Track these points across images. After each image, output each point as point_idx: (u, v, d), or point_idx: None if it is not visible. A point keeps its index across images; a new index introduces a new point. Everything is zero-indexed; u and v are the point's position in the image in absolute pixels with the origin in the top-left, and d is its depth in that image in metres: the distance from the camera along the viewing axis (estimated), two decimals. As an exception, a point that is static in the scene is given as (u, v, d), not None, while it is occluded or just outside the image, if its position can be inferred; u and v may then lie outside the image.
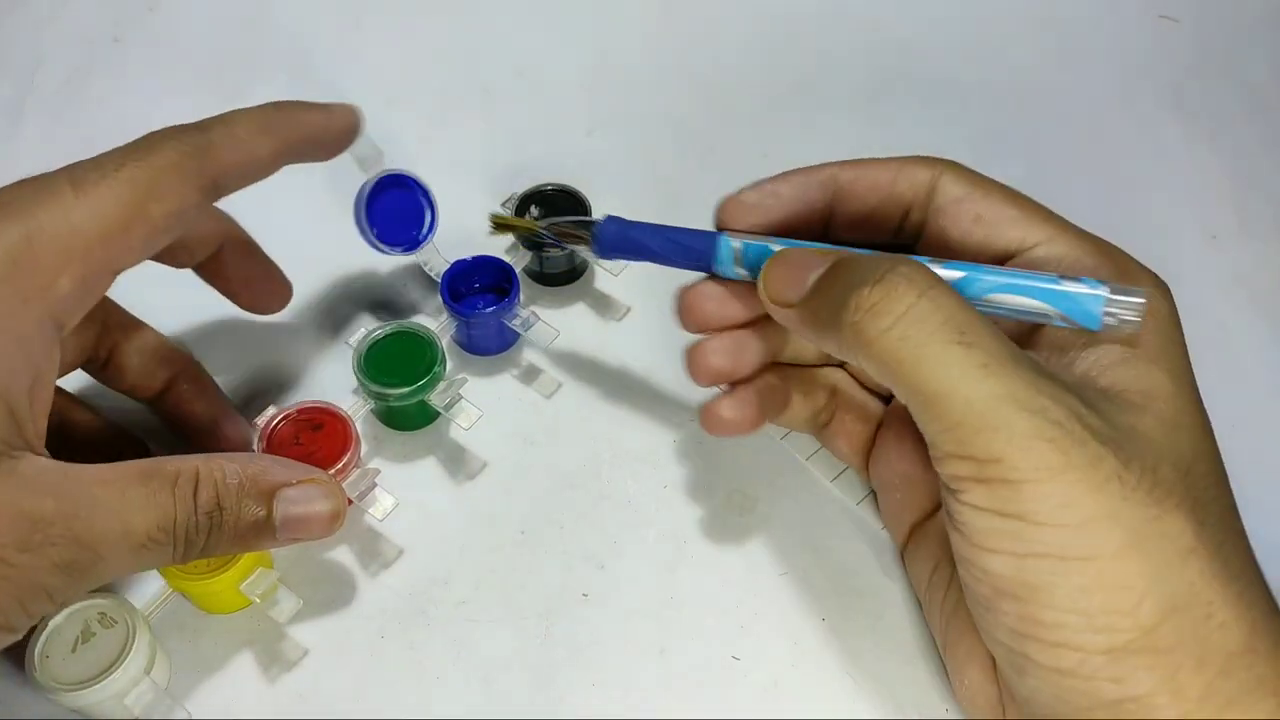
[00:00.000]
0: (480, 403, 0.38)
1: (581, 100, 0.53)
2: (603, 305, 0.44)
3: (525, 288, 0.43)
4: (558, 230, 0.36)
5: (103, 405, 0.37)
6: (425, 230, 0.40)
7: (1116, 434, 0.26)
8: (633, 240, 0.34)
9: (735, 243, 0.33)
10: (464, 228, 0.40)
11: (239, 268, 0.37)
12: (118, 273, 0.29)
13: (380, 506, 0.35)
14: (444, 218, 0.41)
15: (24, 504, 0.25)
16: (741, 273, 0.33)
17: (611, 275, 0.44)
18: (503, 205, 0.43)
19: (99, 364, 0.36)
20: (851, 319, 0.28)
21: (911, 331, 0.27)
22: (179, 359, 0.37)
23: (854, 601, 0.36)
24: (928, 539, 0.34)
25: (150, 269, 0.36)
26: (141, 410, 0.38)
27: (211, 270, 0.37)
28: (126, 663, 0.30)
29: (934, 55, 0.57)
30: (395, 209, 0.39)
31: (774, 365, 0.36)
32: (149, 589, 0.34)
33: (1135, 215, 0.51)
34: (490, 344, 0.42)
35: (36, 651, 0.31)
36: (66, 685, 0.30)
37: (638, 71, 0.55)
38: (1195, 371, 0.44)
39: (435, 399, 0.38)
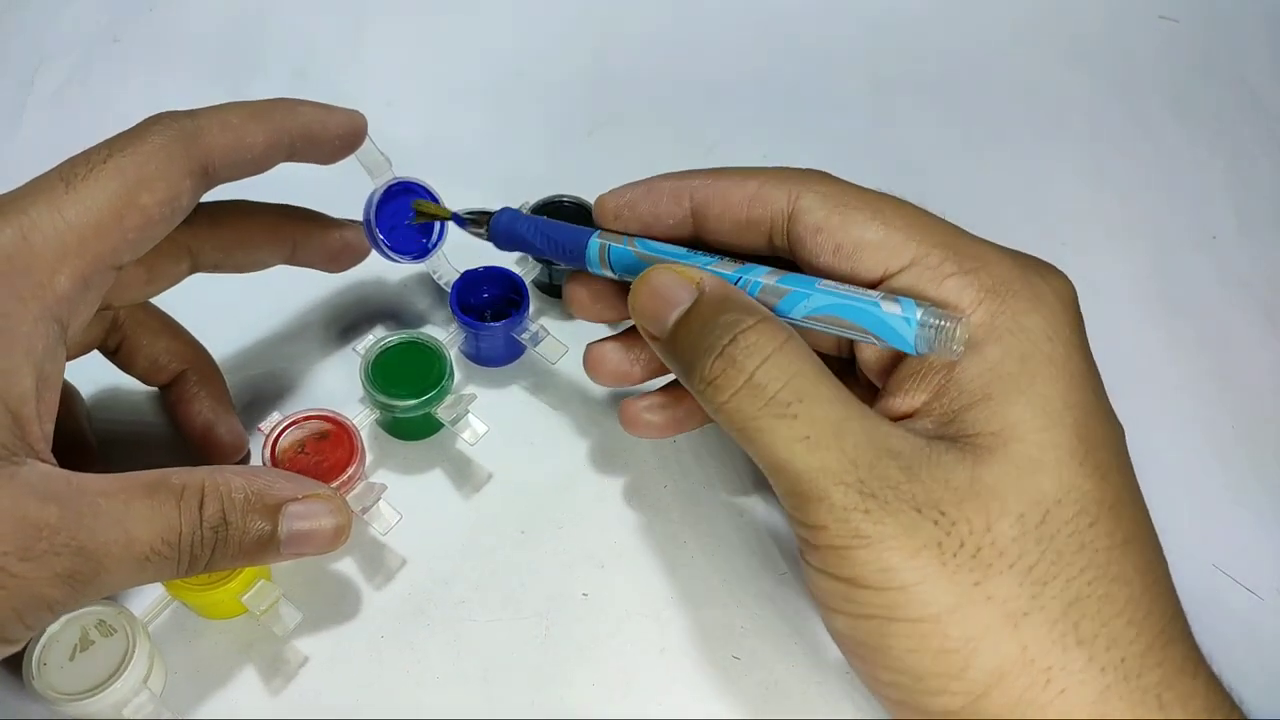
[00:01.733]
0: (486, 413, 0.38)
1: (581, 100, 0.53)
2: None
3: (535, 300, 0.43)
4: (458, 221, 0.37)
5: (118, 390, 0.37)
6: (434, 239, 0.40)
7: (946, 495, 0.26)
8: (516, 233, 0.35)
9: (602, 242, 0.33)
10: (472, 236, 0.40)
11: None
12: (118, 268, 0.29)
13: (384, 521, 0.35)
14: (452, 226, 0.41)
15: (28, 511, 0.25)
16: (609, 273, 0.33)
17: None
18: None
19: (109, 351, 0.36)
20: (698, 388, 0.29)
21: (746, 405, 0.28)
22: (190, 355, 0.37)
23: (854, 601, 0.36)
24: None
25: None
26: (148, 405, 0.38)
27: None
28: (126, 673, 0.30)
29: (934, 55, 0.57)
30: (405, 216, 0.38)
31: None
32: (147, 595, 0.34)
33: (1135, 215, 0.51)
34: (499, 356, 0.42)
35: (34, 659, 0.30)
36: (65, 694, 0.30)
37: (638, 71, 0.55)
38: (1195, 372, 0.45)
39: (442, 413, 0.37)
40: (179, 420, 0.37)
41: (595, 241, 0.33)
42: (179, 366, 0.37)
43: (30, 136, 0.49)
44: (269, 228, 0.36)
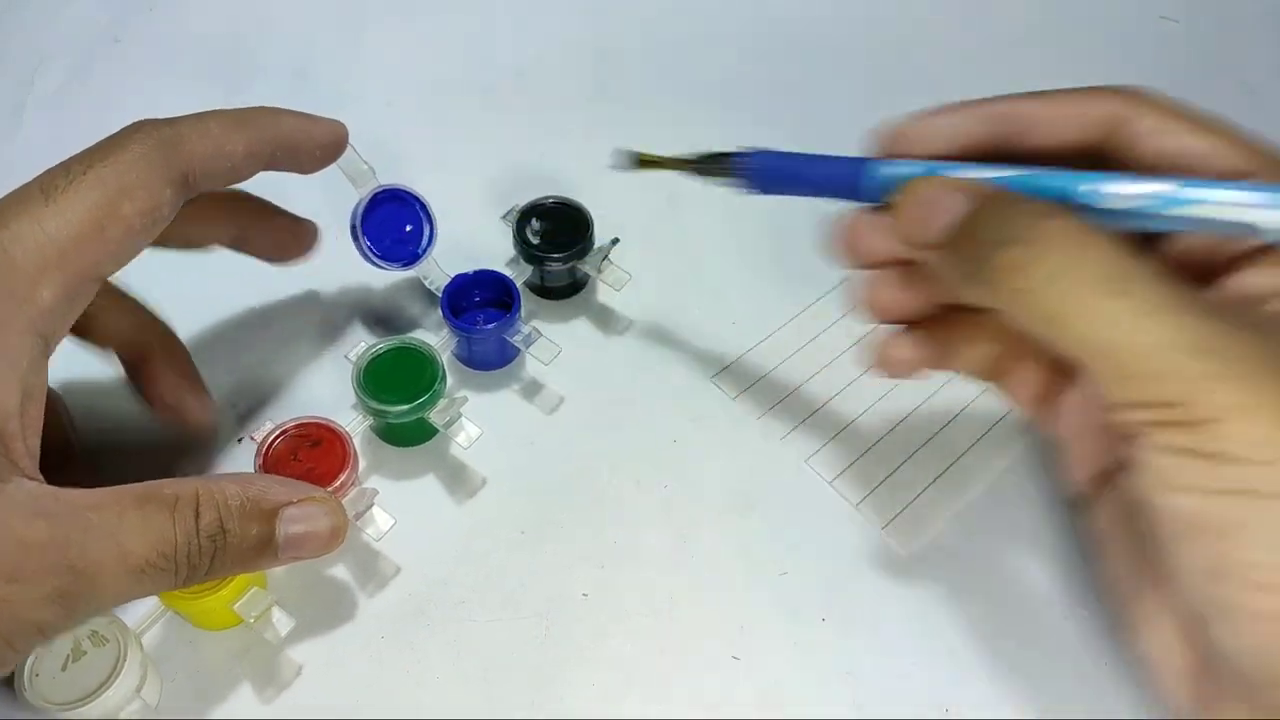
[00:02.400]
0: (481, 418, 0.38)
1: (582, 101, 0.53)
2: (605, 319, 0.44)
3: (527, 302, 0.42)
4: (700, 169, 0.34)
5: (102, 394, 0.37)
6: (423, 245, 0.39)
7: None
8: (786, 170, 0.33)
9: (884, 169, 0.31)
10: (464, 239, 0.40)
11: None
12: (100, 279, 0.28)
13: (377, 526, 0.35)
14: (443, 228, 0.41)
15: (14, 529, 0.24)
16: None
17: (614, 290, 0.43)
18: (503, 218, 0.43)
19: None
20: (999, 277, 0.27)
21: (1068, 287, 0.26)
22: (152, 330, 0.36)
23: (854, 601, 0.36)
24: (1112, 490, 0.32)
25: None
26: (132, 406, 0.38)
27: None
28: (118, 682, 0.30)
29: (934, 56, 0.57)
30: (392, 224, 0.38)
31: (942, 307, 0.33)
32: (140, 606, 0.33)
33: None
34: (491, 359, 0.42)
35: (26, 669, 0.30)
36: (57, 704, 0.29)
37: (638, 72, 0.55)
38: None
39: (435, 417, 0.37)
40: (148, 400, 0.36)
41: (875, 167, 0.31)
42: (141, 340, 0.36)
43: (30, 136, 0.49)
44: (224, 204, 0.36)
